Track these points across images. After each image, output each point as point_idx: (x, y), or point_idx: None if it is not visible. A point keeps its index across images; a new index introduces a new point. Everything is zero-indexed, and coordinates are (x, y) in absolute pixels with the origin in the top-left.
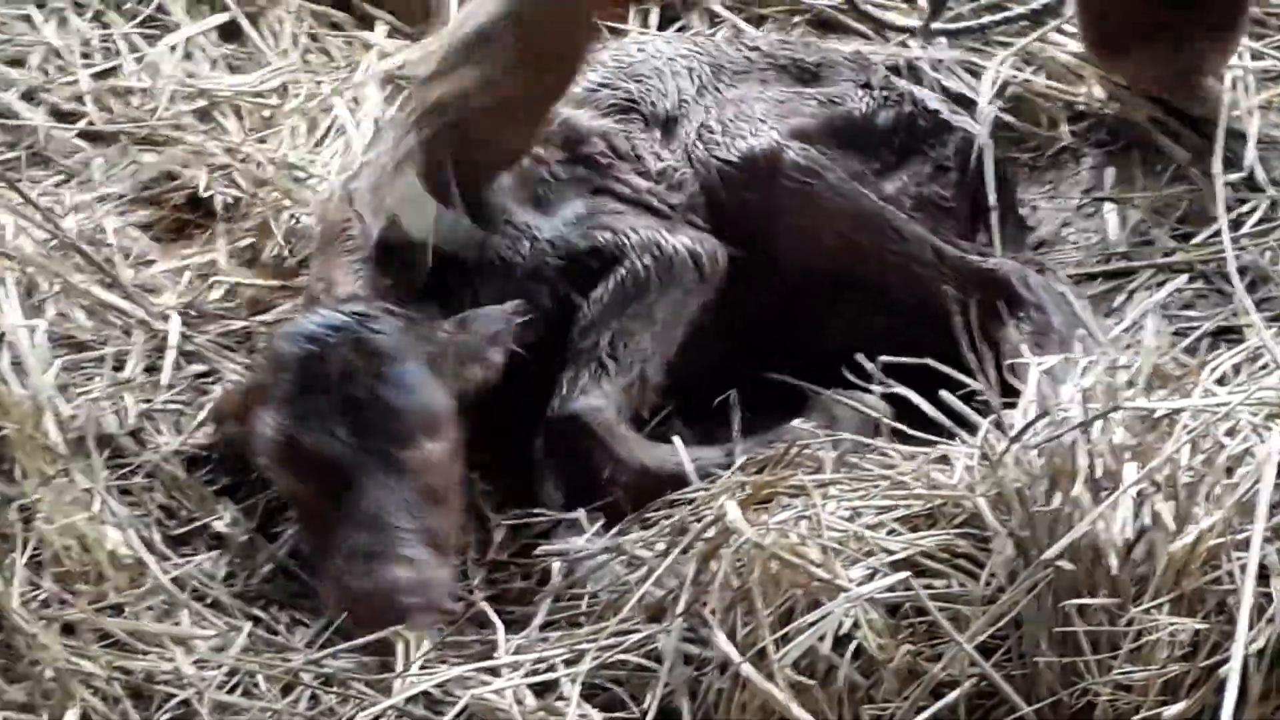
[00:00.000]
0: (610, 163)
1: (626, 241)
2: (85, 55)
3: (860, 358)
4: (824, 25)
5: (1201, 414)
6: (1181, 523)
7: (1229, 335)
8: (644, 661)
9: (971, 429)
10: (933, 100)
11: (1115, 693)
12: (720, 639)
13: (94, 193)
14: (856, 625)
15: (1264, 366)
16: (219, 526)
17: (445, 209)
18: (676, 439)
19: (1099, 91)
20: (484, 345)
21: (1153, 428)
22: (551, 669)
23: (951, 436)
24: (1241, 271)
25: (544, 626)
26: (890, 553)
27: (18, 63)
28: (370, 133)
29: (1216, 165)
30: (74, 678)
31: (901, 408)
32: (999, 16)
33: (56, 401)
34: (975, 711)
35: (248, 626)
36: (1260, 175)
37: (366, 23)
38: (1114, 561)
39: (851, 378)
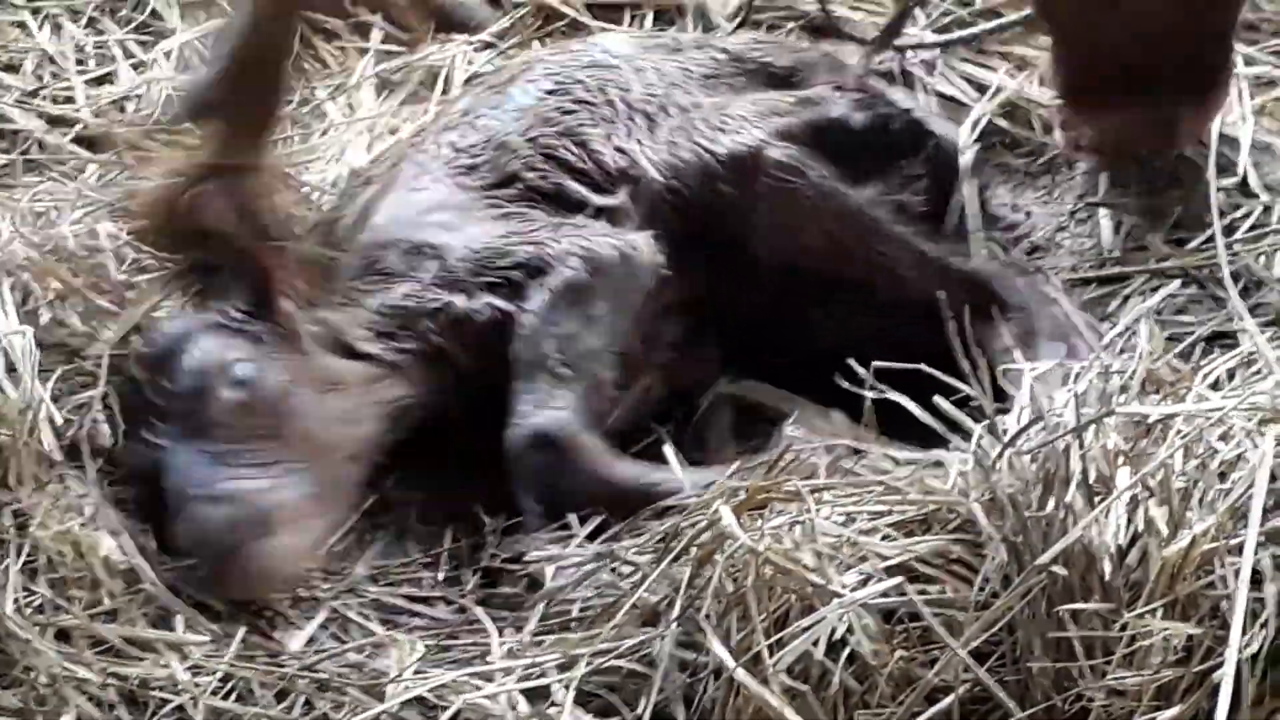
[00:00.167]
0: (536, 170)
1: (550, 251)
2: (80, 61)
3: (853, 363)
4: (817, 32)
5: (1195, 419)
6: (1175, 528)
7: (1223, 340)
8: (637, 667)
9: (964, 434)
10: (906, 102)
11: (1109, 698)
12: (715, 644)
13: (88, 198)
14: (851, 631)
15: (1258, 372)
16: None
17: None
18: (668, 449)
19: None
20: None
21: (1146, 433)
22: (544, 674)
23: (944, 442)
24: (1235, 277)
25: (537, 631)
26: (884, 558)
27: (12, 68)
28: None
29: (1210, 171)
30: (68, 684)
31: (893, 412)
32: (964, 33)
33: (51, 408)
34: (969, 717)
35: (241, 631)
36: (1254, 180)
37: (361, 29)
38: (1107, 566)
39: (843, 383)
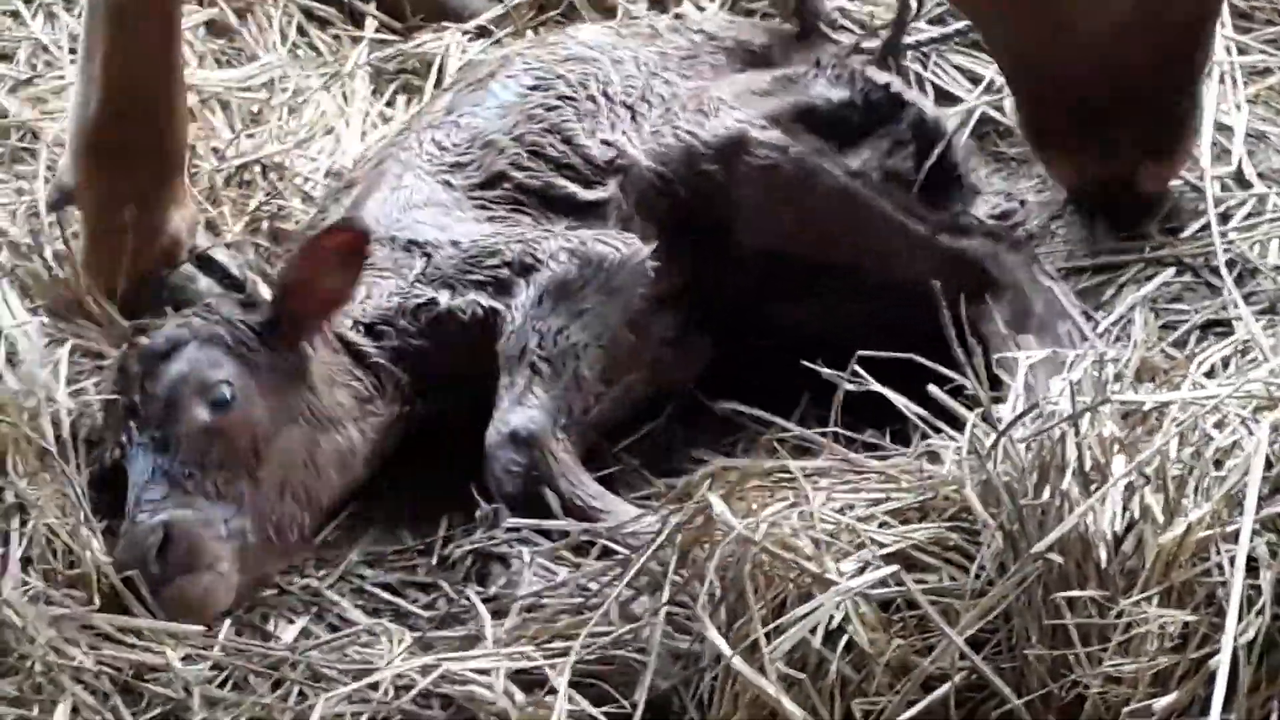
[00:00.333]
0: (524, 169)
1: (539, 249)
2: (73, 50)
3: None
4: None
5: (1190, 406)
6: (1170, 515)
7: (1218, 328)
8: (633, 655)
9: (957, 423)
10: (884, 76)
11: (1105, 685)
12: (711, 632)
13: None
14: (848, 619)
15: (1252, 359)
16: None
17: None
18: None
19: None
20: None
21: (1142, 420)
22: (539, 661)
23: (936, 430)
24: (1230, 265)
25: (525, 620)
26: (881, 546)
27: (5, 58)
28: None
29: (1205, 159)
30: (64, 672)
31: (883, 401)
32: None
33: (53, 398)
34: (966, 704)
35: (226, 623)
36: (1248, 169)
37: (355, 18)
38: (1103, 554)
39: (824, 371)
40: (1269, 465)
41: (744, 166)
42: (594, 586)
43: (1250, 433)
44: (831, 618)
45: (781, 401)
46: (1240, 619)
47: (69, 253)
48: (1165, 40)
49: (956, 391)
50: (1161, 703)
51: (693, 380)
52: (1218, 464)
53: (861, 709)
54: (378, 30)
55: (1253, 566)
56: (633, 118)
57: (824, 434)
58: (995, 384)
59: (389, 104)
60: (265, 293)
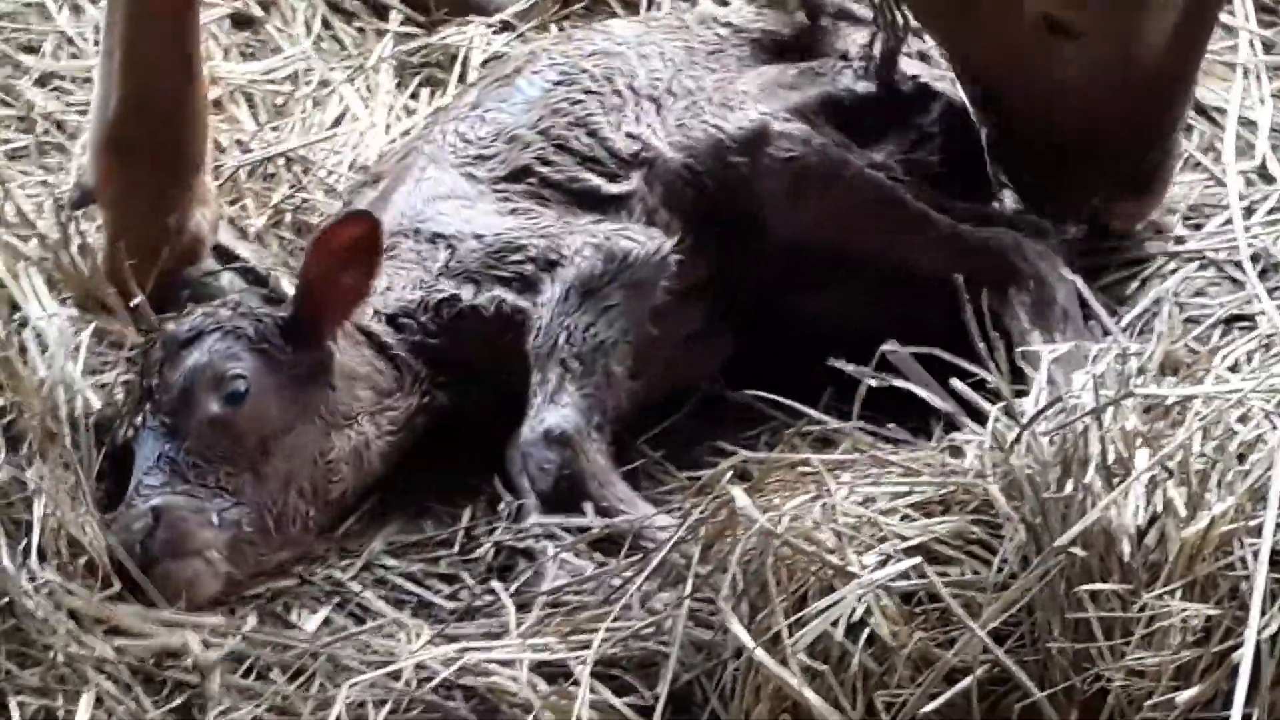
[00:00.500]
0: (549, 164)
1: (564, 244)
2: (99, 43)
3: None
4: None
5: (1214, 400)
6: (1194, 509)
7: (1241, 323)
8: (656, 647)
9: (979, 416)
10: (914, 67)
11: (1128, 678)
12: (734, 624)
13: None
14: (870, 612)
15: (1276, 354)
16: None
17: None
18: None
19: None
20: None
21: (1165, 414)
22: (562, 653)
23: (959, 425)
24: (1254, 259)
25: (548, 612)
26: (904, 539)
27: (31, 50)
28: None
29: (1228, 154)
30: (85, 662)
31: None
32: None
33: (75, 389)
34: (988, 698)
35: (253, 612)
36: (1272, 164)
37: (379, 11)
38: (1126, 547)
39: (849, 367)
40: None
41: (767, 159)
42: (617, 581)
43: (1274, 426)
44: (853, 610)
45: (803, 395)
46: (1263, 613)
47: (92, 249)
48: (1132, 96)
49: (978, 385)
50: (1184, 696)
51: (713, 374)
52: (1241, 458)
53: (883, 701)
54: (402, 23)
55: (1276, 560)
56: (657, 110)
57: (847, 427)
58: (1017, 376)
59: (413, 97)
60: (288, 288)
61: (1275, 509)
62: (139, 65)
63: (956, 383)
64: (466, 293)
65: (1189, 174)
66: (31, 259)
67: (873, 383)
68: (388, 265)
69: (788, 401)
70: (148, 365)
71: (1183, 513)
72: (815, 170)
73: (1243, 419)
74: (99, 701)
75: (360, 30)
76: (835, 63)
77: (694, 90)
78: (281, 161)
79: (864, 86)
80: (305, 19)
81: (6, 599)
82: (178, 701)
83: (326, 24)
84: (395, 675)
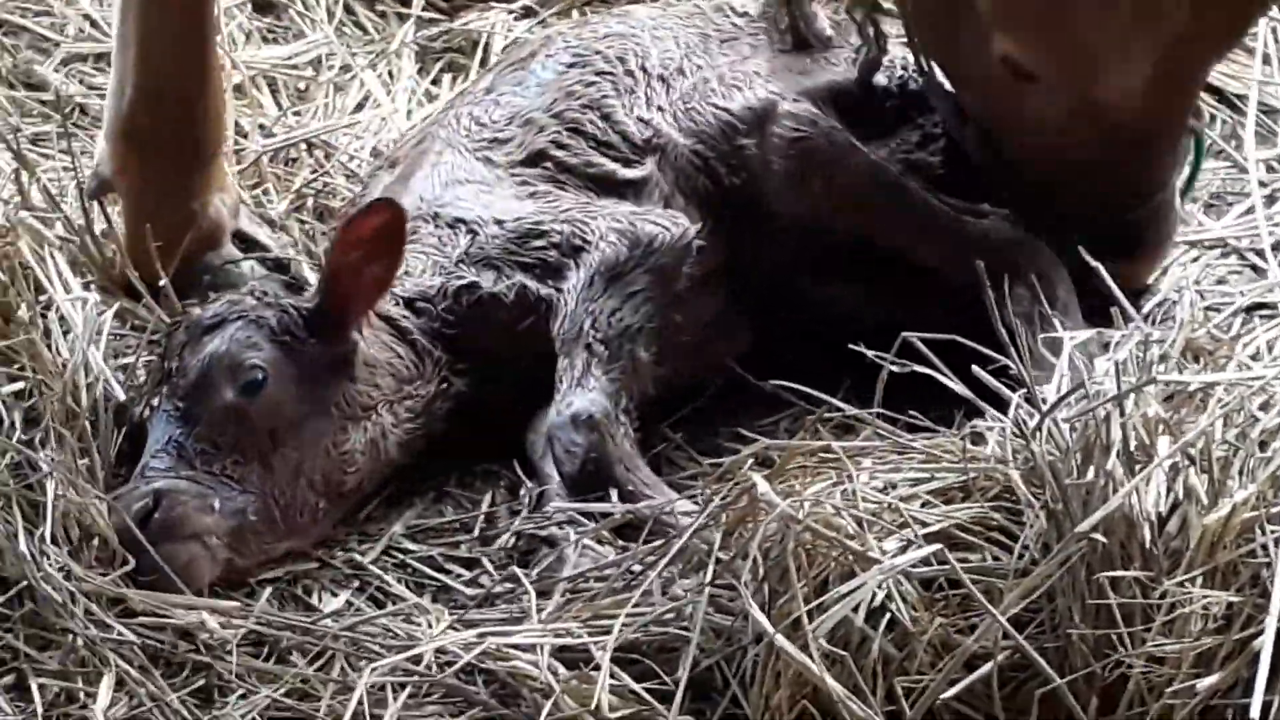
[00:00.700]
0: (564, 147)
1: (588, 229)
2: None
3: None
4: None
5: (1235, 388)
6: (1215, 496)
7: (1262, 310)
8: (676, 633)
9: (999, 403)
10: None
11: (1148, 665)
12: (754, 610)
13: None
14: (890, 598)
15: None
16: None
17: None
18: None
19: None
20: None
21: (1187, 401)
22: (583, 637)
23: (979, 412)
24: (1275, 248)
25: (568, 598)
26: (924, 525)
27: (54, 34)
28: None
29: (1249, 143)
30: (105, 645)
31: (922, 379)
32: None
33: (96, 372)
34: (1008, 684)
35: (266, 592)
36: None
37: None
38: (1147, 534)
39: (869, 353)
40: None
41: (774, 137)
42: (638, 567)
43: None
44: (874, 596)
45: (821, 383)
46: None
47: (116, 234)
48: (1104, 149)
49: (995, 373)
50: (1205, 683)
51: (731, 362)
52: (1263, 445)
53: (904, 687)
54: (424, 9)
55: None
56: (667, 90)
57: (868, 414)
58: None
59: (434, 82)
60: (309, 275)
61: None
62: (154, 56)
63: (978, 370)
64: (486, 280)
65: (1211, 161)
66: (55, 243)
67: (894, 368)
68: (407, 250)
69: (808, 390)
70: (170, 347)
71: (1204, 500)
72: (821, 151)
73: (1264, 406)
74: (119, 684)
75: (382, 15)
76: (849, 54)
77: (705, 68)
78: (303, 146)
79: (875, 80)
80: (327, 4)
81: (25, 583)
82: (198, 684)
83: (349, 9)
84: (416, 659)
